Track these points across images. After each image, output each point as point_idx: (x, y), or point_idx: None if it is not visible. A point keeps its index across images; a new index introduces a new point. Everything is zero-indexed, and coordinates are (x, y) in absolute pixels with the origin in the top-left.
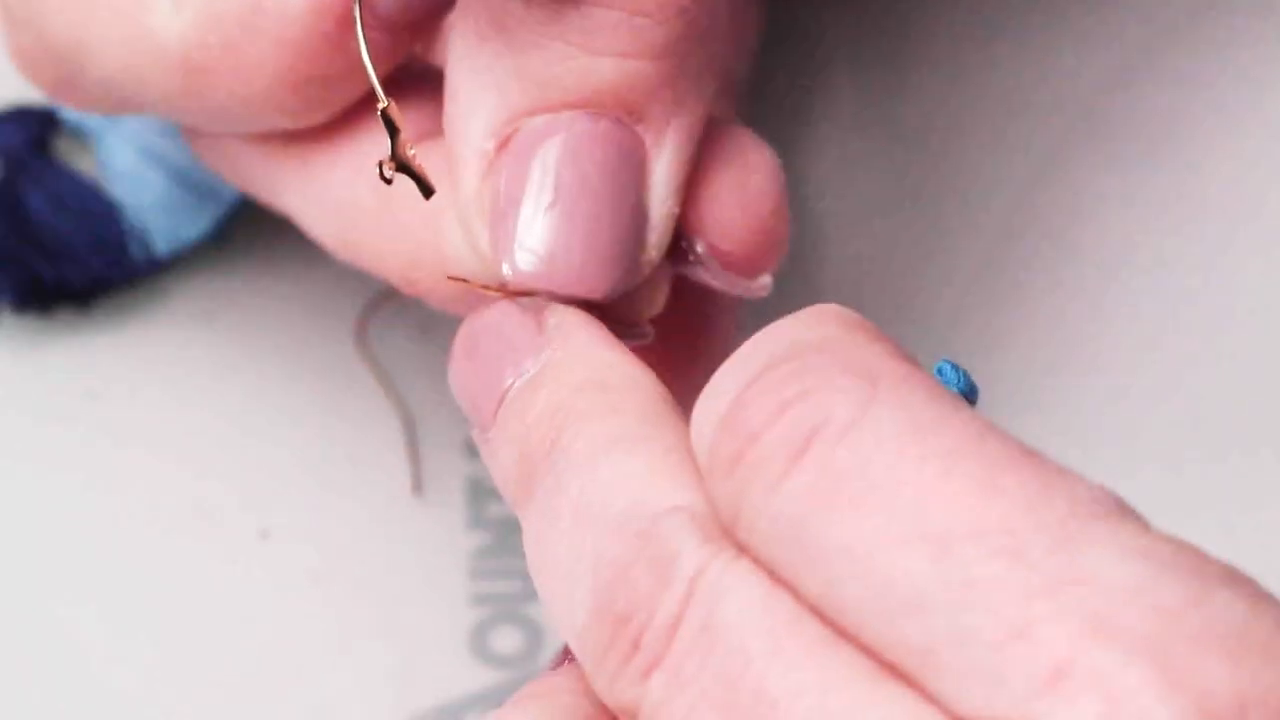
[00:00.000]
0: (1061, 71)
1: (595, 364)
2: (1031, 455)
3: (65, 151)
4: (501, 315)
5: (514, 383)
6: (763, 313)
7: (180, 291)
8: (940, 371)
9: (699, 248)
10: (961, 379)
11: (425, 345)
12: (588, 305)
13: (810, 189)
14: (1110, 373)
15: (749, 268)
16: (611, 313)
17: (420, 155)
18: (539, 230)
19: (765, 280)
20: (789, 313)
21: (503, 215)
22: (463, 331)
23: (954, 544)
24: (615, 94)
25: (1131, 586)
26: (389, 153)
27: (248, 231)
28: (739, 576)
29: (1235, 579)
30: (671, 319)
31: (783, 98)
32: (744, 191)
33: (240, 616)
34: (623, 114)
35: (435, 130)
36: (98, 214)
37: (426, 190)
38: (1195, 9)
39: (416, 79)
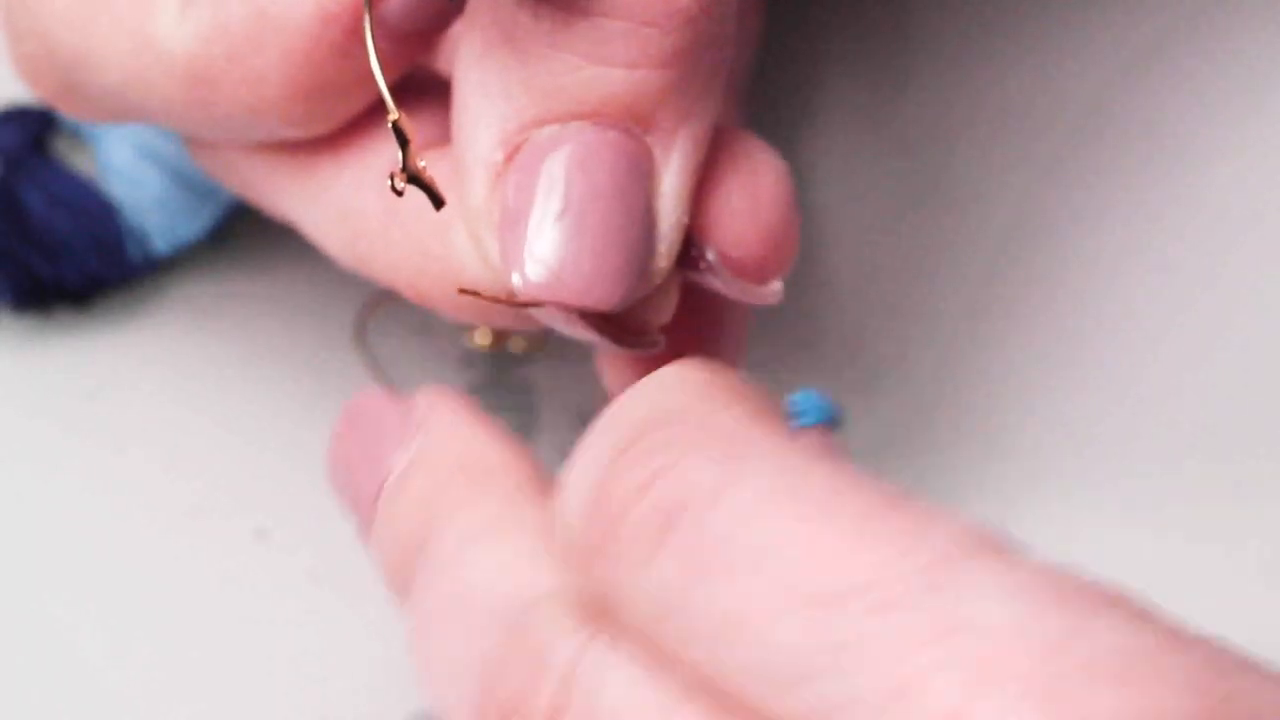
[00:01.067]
0: (1065, 73)
1: (462, 450)
2: (900, 500)
3: (64, 151)
4: (373, 407)
5: (389, 478)
6: (768, 317)
7: (178, 291)
8: (794, 404)
9: (709, 255)
10: (820, 409)
11: (424, 345)
12: (598, 315)
13: (812, 192)
14: (1113, 374)
15: (759, 275)
16: (621, 322)
17: (428, 165)
18: (548, 241)
19: (776, 286)
20: (792, 316)
21: (512, 226)
22: (335, 433)
23: (830, 604)
24: (623, 104)
25: (1012, 626)
26: (399, 164)
27: (246, 231)
28: (618, 660)
29: (1116, 601)
30: (681, 325)
31: (783, 100)
32: (753, 198)
33: (238, 616)
34: (631, 124)
35: (442, 139)
36: (96, 214)
37: (437, 201)
38: (1198, 10)
39: (422, 87)
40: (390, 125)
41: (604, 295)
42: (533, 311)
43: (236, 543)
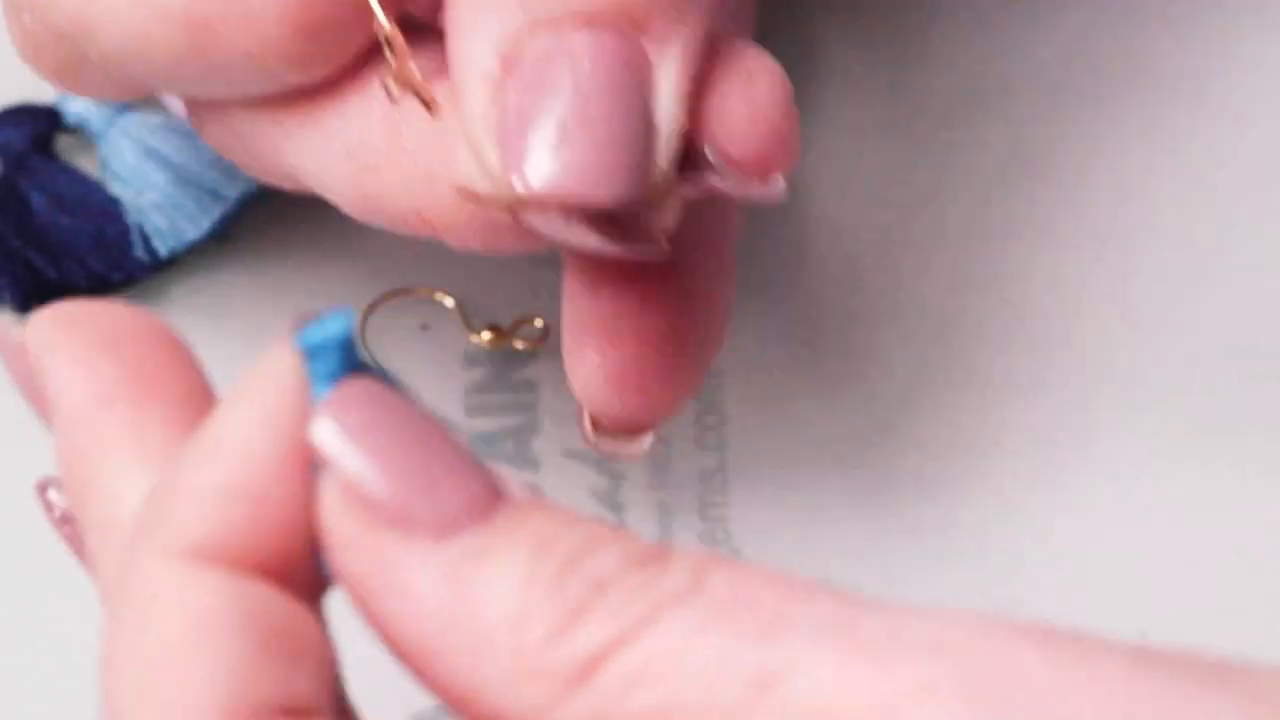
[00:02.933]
0: (1067, 53)
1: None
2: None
3: (67, 150)
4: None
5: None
6: (763, 314)
7: (182, 291)
8: (306, 346)
9: (709, 154)
10: (331, 341)
11: (425, 344)
12: (602, 216)
13: (809, 179)
14: (1100, 358)
15: (761, 169)
16: (625, 227)
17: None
18: (547, 143)
19: (779, 182)
20: (783, 312)
21: (511, 132)
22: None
23: None
24: (616, 7)
25: None
26: (394, 72)
27: (249, 231)
28: None
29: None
30: (671, 241)
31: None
32: (750, 95)
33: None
34: (625, 25)
35: (433, 74)
36: (99, 213)
37: (431, 105)
38: None
39: (418, 38)
40: (382, 39)
41: (605, 190)
42: (535, 221)
43: None
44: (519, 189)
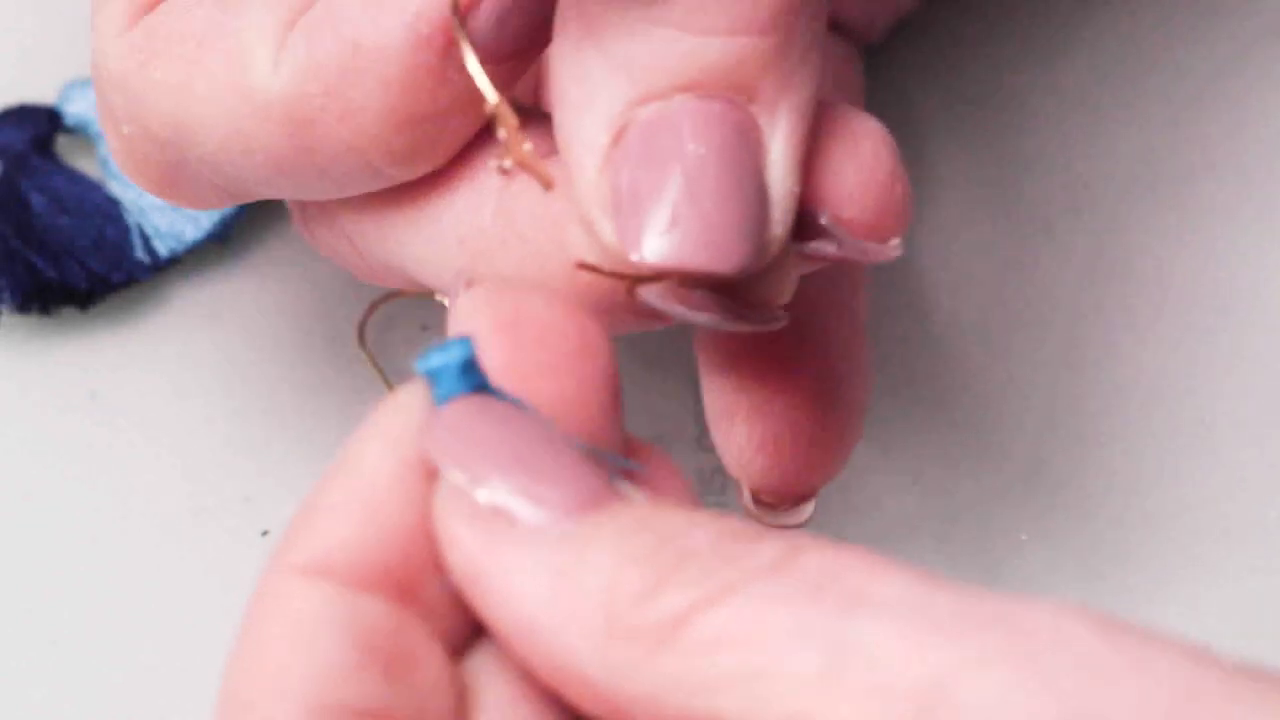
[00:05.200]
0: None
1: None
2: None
3: (67, 151)
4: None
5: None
6: None
7: (182, 292)
8: (428, 372)
9: (823, 220)
10: (452, 369)
11: (425, 344)
12: (718, 289)
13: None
14: (1117, 368)
15: (876, 233)
16: (742, 298)
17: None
18: (663, 216)
19: (895, 244)
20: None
21: (625, 205)
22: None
23: None
24: (725, 74)
25: None
26: (505, 148)
27: (249, 233)
28: None
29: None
30: (800, 305)
31: None
32: (858, 158)
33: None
34: (734, 93)
35: (542, 153)
36: (100, 214)
37: (546, 181)
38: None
39: (522, 119)
40: (491, 112)
41: (723, 261)
42: (650, 296)
43: (240, 543)
44: (635, 261)
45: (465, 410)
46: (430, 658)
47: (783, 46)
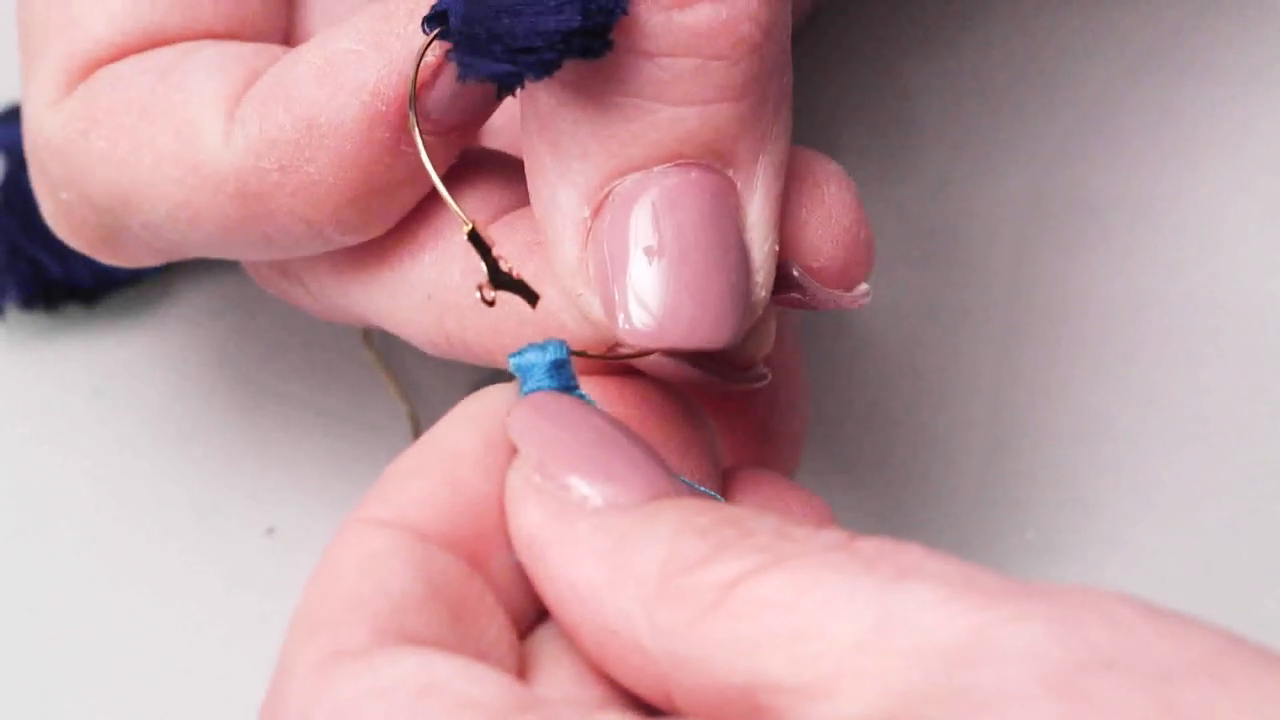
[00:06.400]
0: (1068, 72)
1: None
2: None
3: None
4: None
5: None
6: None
7: (187, 289)
8: (518, 368)
9: (795, 271)
10: (541, 366)
11: None
12: (705, 355)
13: None
14: (1109, 372)
15: (845, 280)
16: (727, 358)
17: (505, 233)
18: (649, 287)
19: (863, 289)
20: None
21: (609, 278)
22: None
23: None
24: (701, 141)
25: None
26: (485, 275)
27: None
28: None
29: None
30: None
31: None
32: (823, 205)
33: (246, 614)
34: (711, 159)
35: (508, 206)
36: None
37: (532, 298)
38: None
39: (474, 162)
40: (467, 236)
41: (711, 334)
42: (637, 361)
43: (244, 540)
44: (624, 334)
45: (549, 400)
46: (494, 619)
47: (755, 109)
